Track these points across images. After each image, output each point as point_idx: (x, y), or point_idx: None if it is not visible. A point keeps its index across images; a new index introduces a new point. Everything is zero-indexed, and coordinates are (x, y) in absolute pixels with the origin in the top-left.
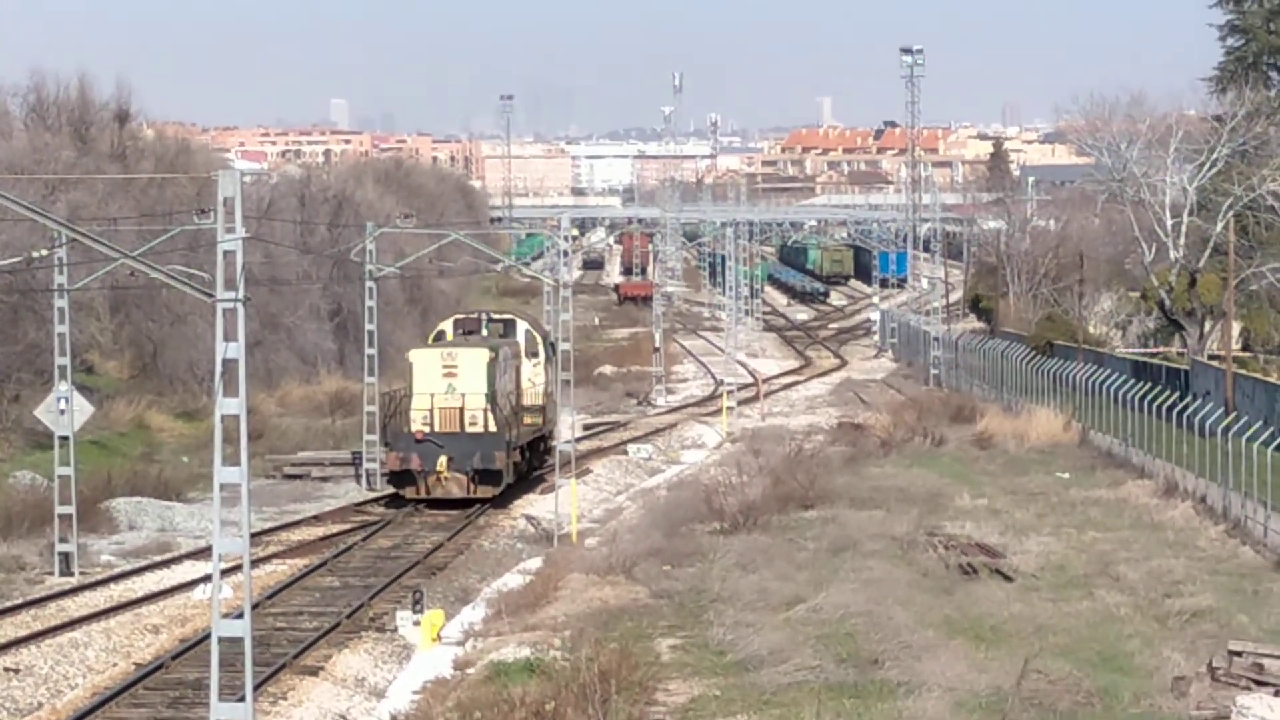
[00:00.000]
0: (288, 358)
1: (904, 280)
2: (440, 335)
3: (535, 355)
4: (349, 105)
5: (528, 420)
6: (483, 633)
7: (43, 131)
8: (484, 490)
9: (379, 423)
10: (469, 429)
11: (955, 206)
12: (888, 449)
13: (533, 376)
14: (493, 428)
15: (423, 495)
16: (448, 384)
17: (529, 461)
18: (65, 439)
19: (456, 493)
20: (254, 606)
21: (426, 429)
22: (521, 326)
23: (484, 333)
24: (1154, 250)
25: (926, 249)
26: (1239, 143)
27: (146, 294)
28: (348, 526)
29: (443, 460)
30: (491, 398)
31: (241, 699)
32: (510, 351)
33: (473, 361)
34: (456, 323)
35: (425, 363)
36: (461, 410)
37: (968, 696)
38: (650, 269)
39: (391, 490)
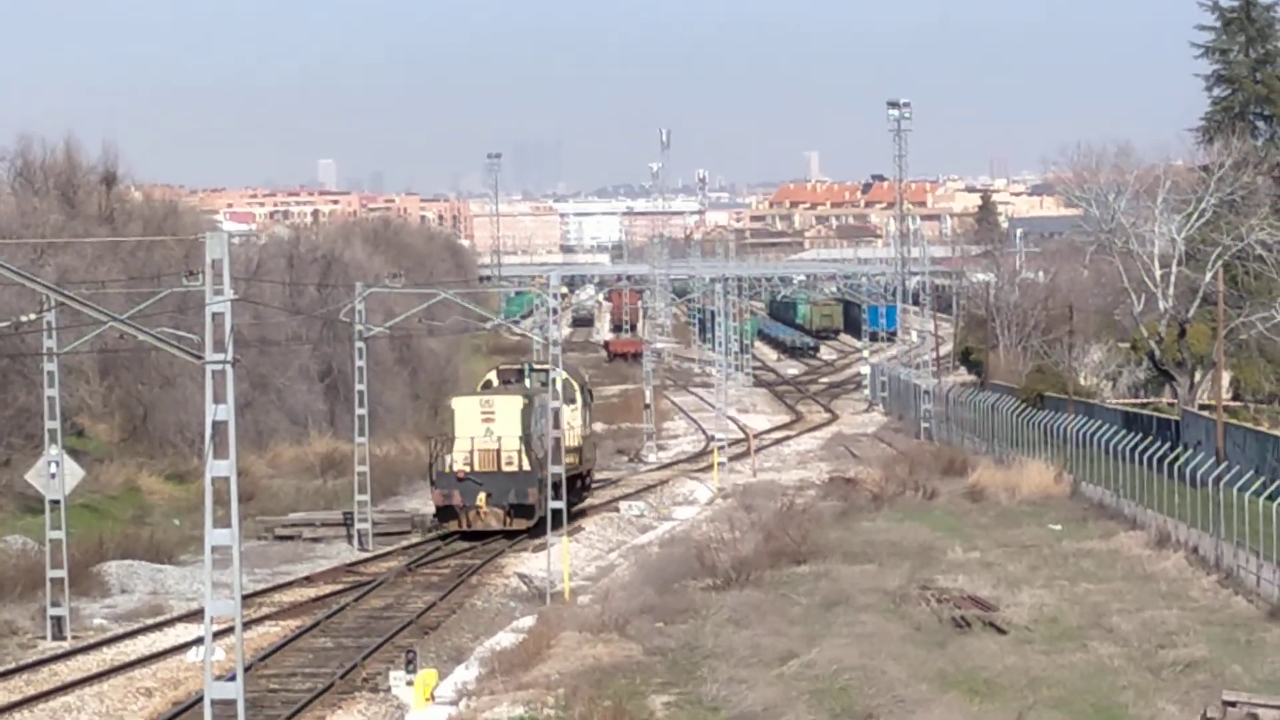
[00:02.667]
0: (278, 419)
1: (894, 334)
2: (488, 384)
3: (573, 401)
4: (337, 165)
5: (567, 460)
6: (476, 692)
7: (30, 195)
8: (519, 523)
9: (430, 463)
10: (505, 468)
11: (944, 259)
12: (879, 503)
13: (571, 420)
14: (527, 467)
15: (464, 528)
16: (486, 428)
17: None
18: (56, 503)
19: (495, 525)
20: (247, 669)
21: (467, 468)
22: (560, 375)
23: (526, 382)
24: (1143, 301)
25: (916, 302)
26: (1226, 192)
27: (136, 357)
28: (340, 587)
29: (482, 496)
30: (526, 440)
31: None
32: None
33: (508, 407)
34: (500, 372)
35: (466, 409)
36: (498, 451)
37: None
38: (640, 325)
39: (386, 549)
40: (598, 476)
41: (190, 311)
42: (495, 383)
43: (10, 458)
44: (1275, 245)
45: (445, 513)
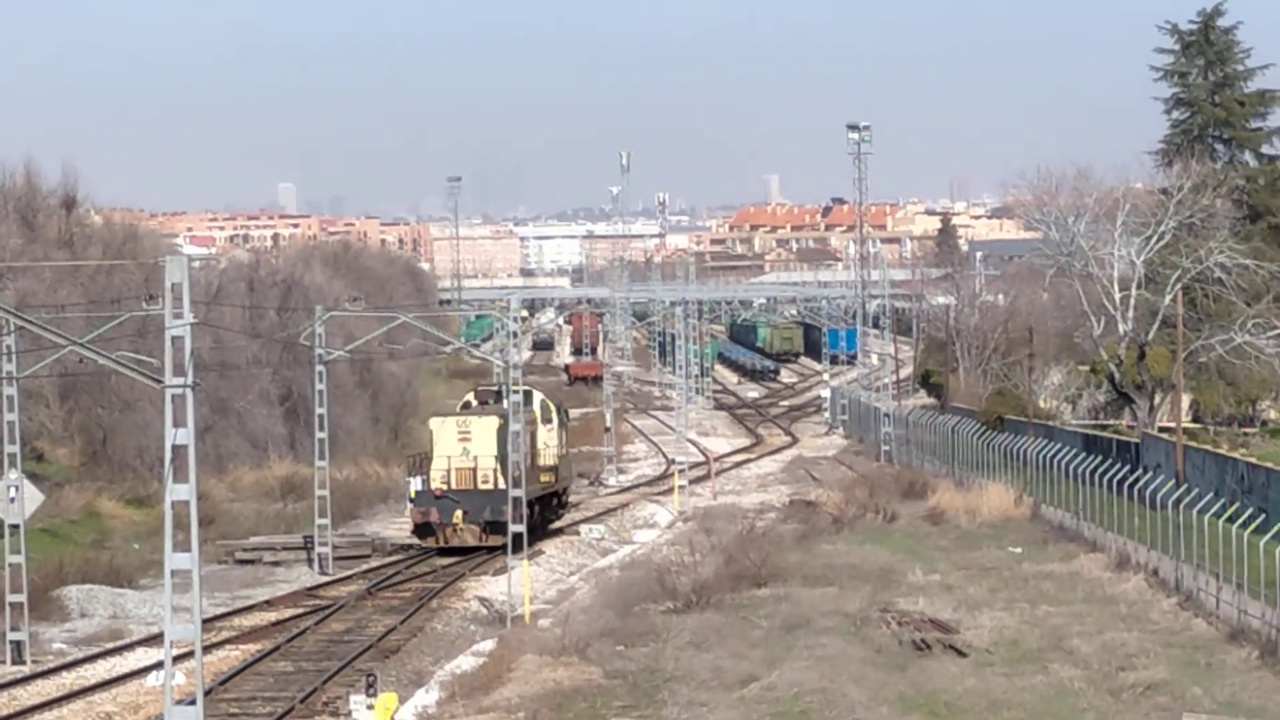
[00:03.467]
0: (238, 443)
1: (854, 357)
2: (466, 405)
3: (549, 421)
4: (297, 189)
5: (543, 478)
6: (437, 716)
7: None
8: (494, 539)
9: (407, 481)
10: (481, 486)
11: (904, 282)
12: (840, 526)
13: (547, 440)
14: (502, 485)
15: (441, 544)
16: (463, 447)
17: (541, 514)
18: (15, 527)
19: (471, 541)
20: (207, 693)
21: (444, 486)
22: (538, 397)
23: (504, 403)
24: (1103, 324)
25: (876, 325)
26: (1186, 215)
27: (96, 381)
28: (300, 611)
29: (458, 514)
30: (502, 459)
31: None
32: (525, 418)
33: (484, 428)
34: (478, 394)
35: (443, 429)
36: (475, 470)
37: None
38: (600, 349)
39: (346, 572)
40: None
41: (150, 335)
42: (474, 403)
43: None
44: (1234, 268)
45: (423, 530)
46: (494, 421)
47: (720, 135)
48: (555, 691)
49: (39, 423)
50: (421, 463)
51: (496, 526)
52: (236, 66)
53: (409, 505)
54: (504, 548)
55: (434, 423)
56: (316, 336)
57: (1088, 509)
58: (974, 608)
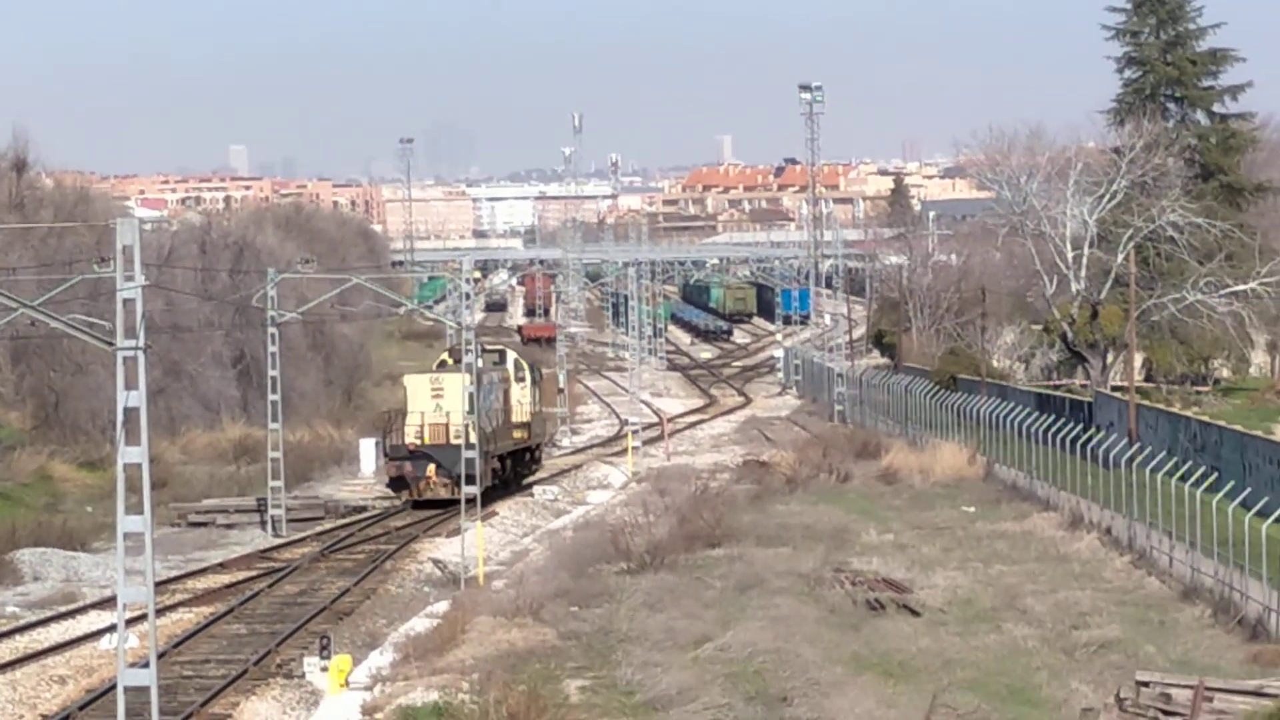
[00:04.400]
0: (191, 405)
1: (807, 317)
2: (442, 363)
3: (522, 380)
4: (249, 151)
5: (516, 434)
6: (391, 677)
7: None
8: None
9: (383, 434)
10: (453, 441)
11: (857, 243)
12: (793, 486)
13: (520, 398)
14: (473, 440)
15: (415, 497)
16: (435, 404)
17: (513, 469)
18: None
19: (443, 495)
20: (160, 655)
21: (418, 442)
22: (510, 356)
23: (480, 362)
24: (1055, 283)
25: (829, 285)
26: (1138, 174)
27: (47, 344)
28: (254, 573)
29: (431, 468)
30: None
31: None
32: (499, 376)
33: (457, 385)
34: (451, 352)
35: (417, 386)
36: (447, 426)
37: None
38: (553, 310)
39: (299, 535)
40: None
41: (102, 298)
42: (449, 362)
43: None
44: (1186, 227)
45: (397, 483)
46: (465, 378)
47: (673, 96)
48: (509, 653)
49: None
50: (395, 418)
51: (468, 479)
52: (188, 27)
53: (383, 459)
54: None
55: (408, 379)
56: (269, 299)
57: (1041, 468)
58: (927, 567)
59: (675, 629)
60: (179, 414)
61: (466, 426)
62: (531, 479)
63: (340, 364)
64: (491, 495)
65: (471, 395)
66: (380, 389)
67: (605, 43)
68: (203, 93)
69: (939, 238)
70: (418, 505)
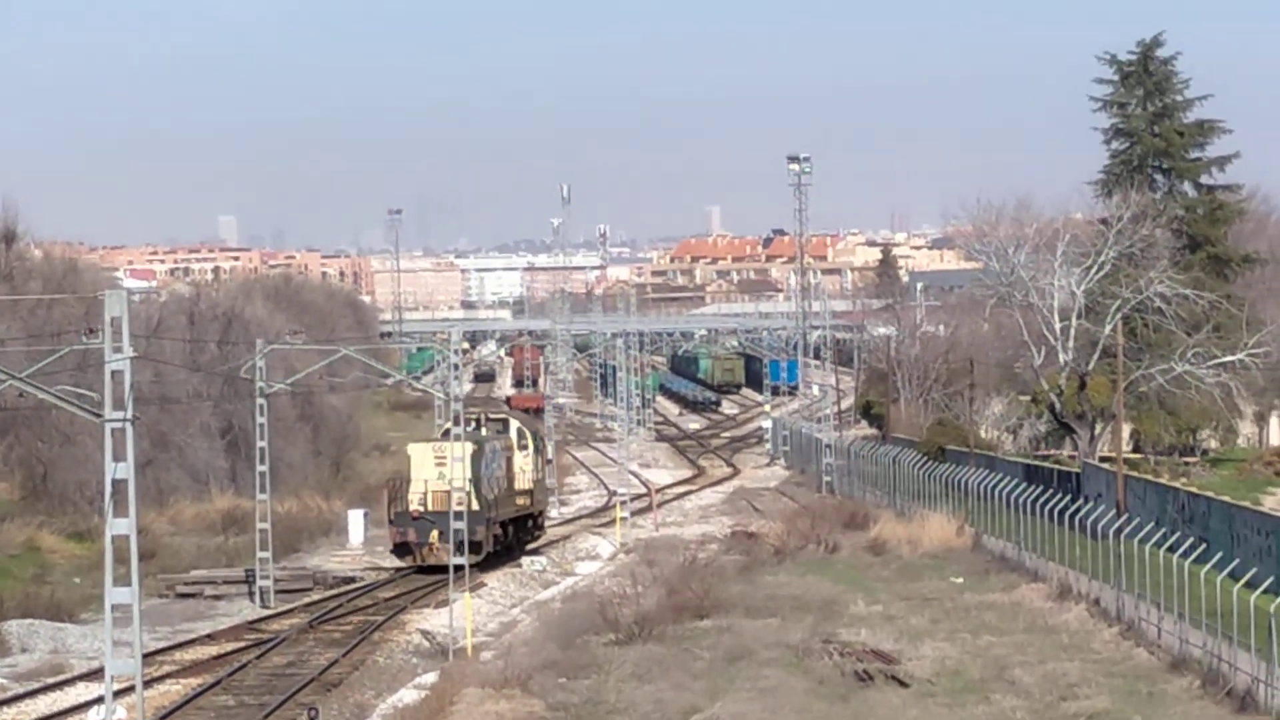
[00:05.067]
0: (179, 476)
1: (795, 388)
2: (446, 432)
3: (525, 448)
4: (238, 222)
5: (518, 501)
6: None
7: None
8: (469, 558)
9: (388, 501)
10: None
11: (845, 313)
12: (781, 557)
13: (523, 465)
14: (475, 507)
15: (419, 563)
16: (439, 471)
17: (515, 535)
18: None
19: (446, 560)
20: None
21: (421, 509)
22: (514, 424)
23: (483, 431)
24: (1043, 354)
25: (817, 356)
26: (1125, 245)
27: (36, 415)
28: (242, 644)
29: (434, 534)
30: (476, 482)
31: None
32: (501, 445)
33: (459, 453)
34: (455, 420)
35: (421, 454)
36: (450, 493)
37: None
38: (541, 381)
39: (288, 606)
40: None
41: (91, 369)
42: (453, 430)
43: None
44: (1174, 298)
45: (402, 549)
46: (469, 447)
47: (661, 167)
48: None
49: None
50: (399, 486)
51: (472, 546)
52: (177, 99)
53: (389, 526)
54: (478, 566)
55: (412, 448)
56: (257, 370)
57: (1029, 539)
58: (916, 638)
59: (664, 700)
60: (167, 485)
61: (471, 492)
62: (533, 545)
63: (329, 435)
64: (493, 561)
65: (462, 463)
66: (369, 459)
67: (594, 114)
68: (192, 164)
69: (927, 308)
70: (421, 570)
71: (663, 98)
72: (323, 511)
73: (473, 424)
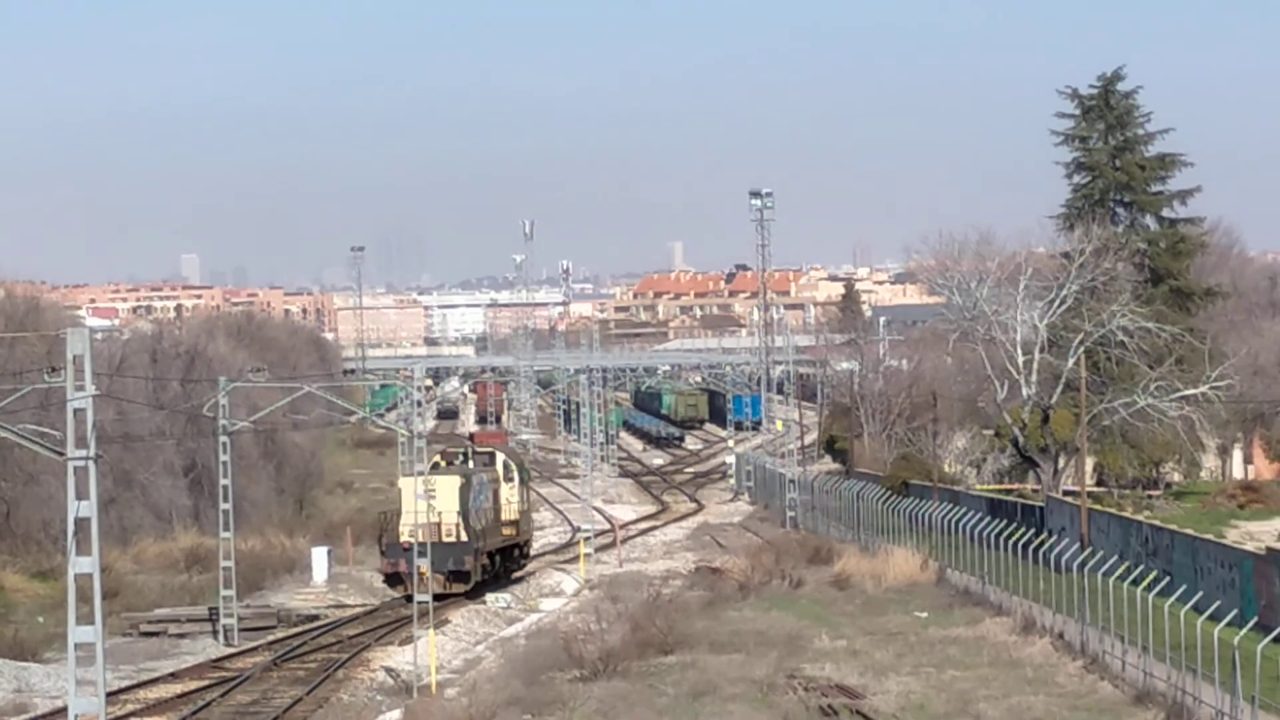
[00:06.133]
0: (142, 514)
1: (759, 423)
2: (435, 465)
3: (511, 480)
4: (200, 260)
5: (505, 531)
6: None
7: None
8: (457, 587)
9: (380, 533)
10: (445, 539)
11: (808, 348)
12: (746, 592)
13: (509, 496)
14: (464, 537)
15: (409, 592)
16: (428, 504)
17: (502, 564)
18: None
19: (436, 589)
20: None
21: (412, 540)
22: (500, 457)
23: (470, 463)
24: (1006, 388)
25: (780, 391)
26: (1088, 279)
27: None
28: (206, 683)
29: (424, 564)
30: (464, 514)
31: None
32: (488, 477)
33: (447, 486)
34: (444, 454)
35: (411, 487)
36: (439, 524)
37: None
38: (505, 417)
39: (251, 644)
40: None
41: (53, 408)
42: (441, 464)
43: None
44: (1136, 331)
45: (392, 579)
46: (456, 480)
47: (623, 203)
48: None
49: None
50: (390, 518)
51: (459, 575)
52: (138, 138)
53: (380, 557)
54: (465, 594)
55: (402, 481)
56: (220, 407)
57: (993, 573)
58: (881, 673)
59: None
60: (130, 523)
61: (458, 523)
62: (520, 573)
63: (292, 472)
64: (481, 589)
65: (455, 497)
66: (332, 497)
67: (556, 152)
68: (154, 202)
69: (890, 343)
70: (410, 600)
71: (625, 134)
72: (286, 549)
73: (460, 457)
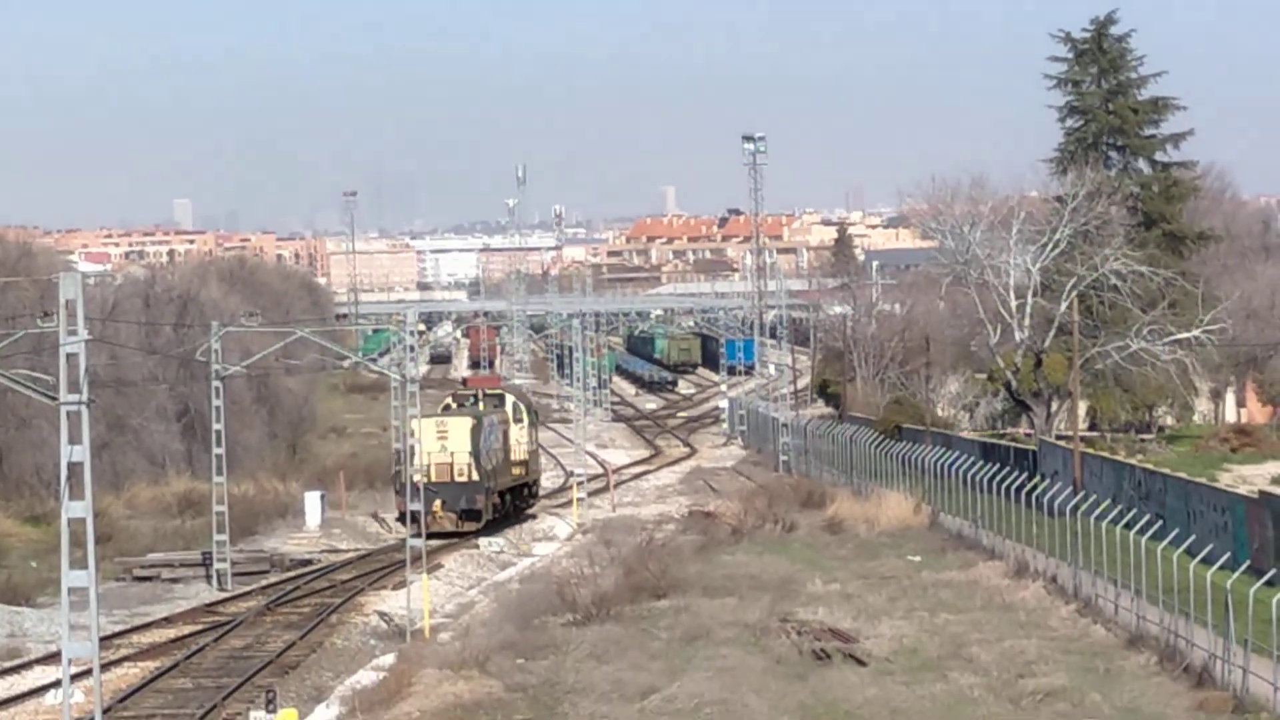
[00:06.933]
0: (135, 459)
1: (751, 367)
2: (447, 407)
3: (520, 421)
4: (192, 205)
5: (515, 471)
6: None
7: None
8: (469, 525)
9: (394, 473)
10: (457, 479)
11: (801, 292)
12: (739, 536)
13: (519, 437)
14: (475, 477)
15: (423, 530)
16: (441, 444)
17: (513, 503)
18: None
19: (448, 527)
20: (105, 710)
21: (425, 479)
22: (509, 399)
23: (480, 406)
24: (999, 332)
25: (773, 335)
26: (1080, 223)
27: None
28: (199, 627)
29: (437, 503)
30: (475, 455)
31: None
32: (498, 419)
33: (459, 427)
34: (455, 397)
35: (424, 428)
36: (451, 464)
37: None
38: (497, 362)
39: (245, 588)
40: None
41: (46, 353)
42: (453, 405)
43: None
44: (1129, 275)
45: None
46: (468, 421)
47: (616, 147)
48: (456, 705)
49: None
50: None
51: (470, 514)
52: (130, 83)
53: (395, 495)
54: (476, 533)
55: (415, 423)
56: (213, 352)
57: (986, 517)
58: (873, 617)
59: (622, 680)
60: (123, 468)
61: (470, 463)
62: (531, 510)
63: (285, 417)
64: (493, 526)
65: (467, 438)
66: (325, 442)
67: (548, 95)
68: (146, 147)
69: (883, 287)
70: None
71: (618, 78)
72: (279, 494)
73: (471, 400)
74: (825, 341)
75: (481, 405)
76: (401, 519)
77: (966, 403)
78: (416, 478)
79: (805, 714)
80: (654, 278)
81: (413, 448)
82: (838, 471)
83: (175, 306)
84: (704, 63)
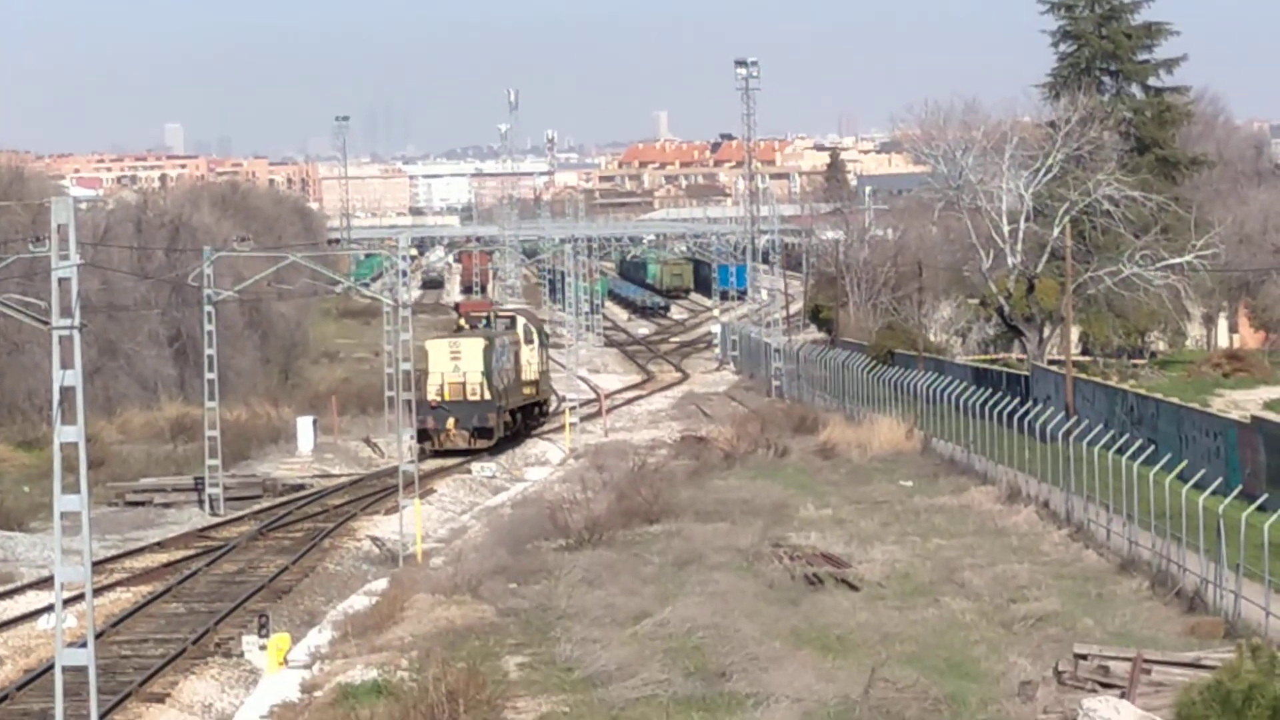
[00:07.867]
0: (127, 384)
1: (744, 292)
2: (459, 328)
3: (531, 342)
4: (184, 130)
5: (525, 391)
6: (329, 655)
7: None
8: (481, 443)
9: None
10: (470, 398)
11: (793, 218)
12: (731, 461)
13: (529, 358)
14: (487, 396)
15: (437, 447)
16: (454, 365)
17: (524, 422)
18: None
19: (461, 445)
20: (98, 635)
21: (439, 398)
22: (520, 321)
23: (495, 326)
24: (992, 257)
25: (766, 261)
26: (1073, 148)
27: None
28: (192, 552)
29: (451, 421)
30: (487, 374)
31: None
32: (509, 339)
33: (472, 347)
34: (468, 318)
35: (437, 349)
36: (464, 384)
37: (816, 706)
38: (490, 287)
39: (237, 513)
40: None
41: (38, 277)
42: (465, 327)
43: None
44: (1122, 200)
45: (421, 435)
46: (480, 342)
47: (608, 72)
48: (448, 630)
49: None
50: (419, 378)
51: (483, 431)
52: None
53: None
54: (488, 450)
55: (429, 344)
56: (205, 277)
57: (978, 442)
58: (865, 542)
59: (614, 605)
60: (116, 393)
61: (482, 383)
62: (542, 429)
63: (277, 342)
64: (505, 444)
65: (479, 358)
66: (318, 367)
67: (540, 19)
68: (138, 71)
69: (875, 213)
70: (437, 454)
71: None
72: (271, 419)
73: (484, 321)
74: (818, 267)
75: (494, 326)
76: (417, 436)
77: (959, 328)
78: (431, 396)
79: (797, 638)
80: (646, 203)
81: (423, 370)
82: (830, 397)
83: (167, 231)
84: None
